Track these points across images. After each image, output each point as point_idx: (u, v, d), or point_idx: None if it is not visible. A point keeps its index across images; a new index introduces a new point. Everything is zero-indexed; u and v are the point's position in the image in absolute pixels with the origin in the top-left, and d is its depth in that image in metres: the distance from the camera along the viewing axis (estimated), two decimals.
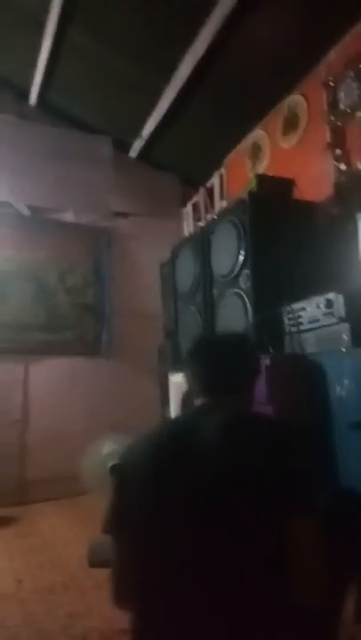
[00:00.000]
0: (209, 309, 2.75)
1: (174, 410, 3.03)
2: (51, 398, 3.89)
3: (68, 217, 4.20)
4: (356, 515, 1.35)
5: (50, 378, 3.95)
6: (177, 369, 3.04)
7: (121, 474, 1.22)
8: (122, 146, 4.36)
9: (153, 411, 3.78)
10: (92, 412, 3.89)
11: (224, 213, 2.68)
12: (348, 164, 2.66)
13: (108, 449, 2.30)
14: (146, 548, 1.16)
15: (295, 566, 1.09)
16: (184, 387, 2.86)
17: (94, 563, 2.15)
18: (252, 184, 2.57)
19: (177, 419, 2.03)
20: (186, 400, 2.27)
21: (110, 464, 2.23)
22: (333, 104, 2.76)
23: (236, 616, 1.08)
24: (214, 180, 4.17)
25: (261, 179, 2.62)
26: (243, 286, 2.45)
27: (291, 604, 1.05)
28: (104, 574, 2.02)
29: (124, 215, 4.31)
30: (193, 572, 1.09)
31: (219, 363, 1.25)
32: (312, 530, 1.12)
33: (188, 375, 1.29)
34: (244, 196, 2.49)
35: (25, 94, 4.14)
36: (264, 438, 1.13)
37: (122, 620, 1.60)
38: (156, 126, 3.99)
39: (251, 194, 2.48)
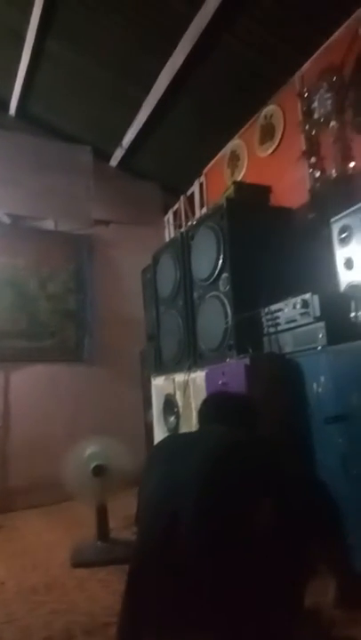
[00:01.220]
0: (190, 313, 2.80)
1: (157, 413, 3.06)
2: (32, 405, 3.88)
3: (49, 225, 4.24)
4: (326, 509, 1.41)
5: (31, 385, 3.94)
6: (159, 373, 3.09)
7: (143, 472, 1.41)
8: (102, 155, 4.42)
9: (136, 416, 3.80)
10: (74, 418, 3.89)
11: (203, 219, 2.74)
12: (322, 171, 2.76)
13: (90, 451, 2.31)
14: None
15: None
16: (165, 390, 2.91)
17: (78, 563, 2.16)
18: (230, 190, 2.65)
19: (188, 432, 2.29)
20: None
21: (93, 465, 2.25)
22: (308, 114, 2.86)
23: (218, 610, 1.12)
24: (194, 188, 4.25)
25: (239, 185, 2.69)
26: (222, 289, 2.51)
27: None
28: (87, 574, 2.05)
29: (106, 223, 4.35)
30: (183, 568, 1.14)
31: (223, 405, 1.58)
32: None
33: (200, 412, 1.61)
34: (223, 202, 2.55)
35: (5, 105, 4.17)
36: (250, 446, 1.33)
37: (104, 614, 1.63)
38: (137, 136, 4.05)
39: (229, 200, 2.55)
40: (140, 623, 1.19)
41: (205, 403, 1.61)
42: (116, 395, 3.98)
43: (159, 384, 3.05)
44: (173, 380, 2.84)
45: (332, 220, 2.08)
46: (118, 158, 4.41)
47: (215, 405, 1.58)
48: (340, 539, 1.48)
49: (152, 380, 3.16)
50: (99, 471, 2.24)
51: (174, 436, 1.79)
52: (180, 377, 2.75)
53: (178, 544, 1.16)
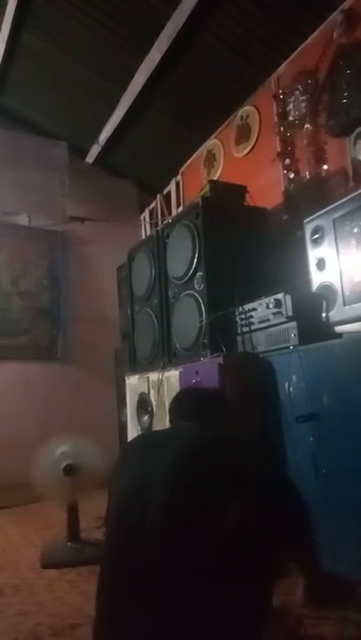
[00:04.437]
0: (164, 312, 2.80)
1: (130, 412, 3.04)
2: (4, 404, 3.81)
3: (22, 220, 4.17)
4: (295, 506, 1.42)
5: (3, 383, 3.87)
6: (133, 371, 3.07)
7: (114, 470, 1.39)
8: (79, 151, 4.37)
9: (109, 415, 3.78)
10: (46, 417, 3.83)
11: (179, 217, 2.74)
12: (296, 172, 2.79)
13: (61, 450, 2.28)
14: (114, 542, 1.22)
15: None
16: (140, 389, 2.89)
17: (47, 564, 2.13)
18: (206, 189, 2.65)
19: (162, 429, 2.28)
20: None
21: (64, 464, 2.22)
22: (283, 116, 2.89)
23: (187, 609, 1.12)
24: (171, 187, 4.24)
25: (214, 184, 2.70)
26: (197, 288, 2.51)
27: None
28: (56, 575, 2.03)
29: (81, 220, 4.30)
30: (155, 566, 1.13)
31: (195, 402, 1.55)
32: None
33: (172, 409, 1.58)
34: (198, 200, 2.55)
35: None
36: (222, 445, 1.31)
37: (72, 616, 1.61)
38: (113, 133, 4.03)
39: (204, 198, 2.55)
40: (112, 624, 1.18)
41: (177, 399, 1.60)
42: (90, 393, 3.95)
43: (133, 383, 3.03)
44: (148, 378, 2.82)
45: (305, 220, 2.10)
46: (94, 155, 4.37)
47: (187, 402, 1.56)
48: (310, 537, 1.49)
49: (126, 378, 3.15)
50: (70, 470, 2.21)
51: (146, 434, 1.77)
52: (154, 376, 2.74)
53: (146, 543, 1.15)
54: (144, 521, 1.17)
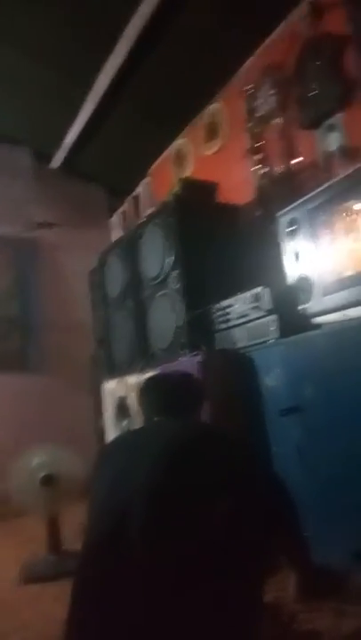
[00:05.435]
0: (140, 313, 2.74)
1: (110, 418, 2.97)
2: None
3: None
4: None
5: None
6: (111, 376, 3.00)
7: (93, 471, 1.35)
8: (43, 156, 4.27)
9: (87, 423, 3.67)
10: (21, 429, 3.69)
11: (150, 217, 2.69)
12: (267, 168, 2.78)
13: (37, 460, 2.19)
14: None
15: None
16: (118, 393, 2.82)
17: (29, 579, 2.03)
18: (177, 187, 2.61)
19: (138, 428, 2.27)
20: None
21: (42, 475, 2.13)
22: (252, 111, 2.88)
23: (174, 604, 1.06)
24: (140, 189, 4.20)
25: (185, 182, 2.67)
26: (172, 287, 2.46)
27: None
28: (39, 590, 1.93)
29: (49, 226, 4.21)
30: (138, 559, 1.07)
31: (169, 393, 1.50)
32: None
33: (142, 403, 1.53)
34: (170, 199, 2.52)
35: None
36: (205, 442, 1.28)
37: (57, 630, 1.52)
38: (79, 136, 3.95)
39: (175, 196, 2.52)
40: (85, 635, 1.11)
41: (147, 392, 1.53)
42: (66, 403, 3.83)
43: (111, 387, 2.96)
44: (126, 382, 2.76)
45: (279, 213, 2.08)
46: (60, 159, 4.28)
47: (159, 395, 1.50)
48: (299, 532, 1.46)
49: (104, 384, 3.07)
50: (48, 481, 2.12)
51: (124, 435, 1.71)
52: (132, 379, 2.68)
53: (130, 546, 1.09)
54: (127, 523, 1.12)
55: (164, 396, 1.47)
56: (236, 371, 2.09)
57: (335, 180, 1.92)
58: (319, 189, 1.92)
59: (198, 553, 1.09)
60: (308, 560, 1.51)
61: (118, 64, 3.18)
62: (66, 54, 3.29)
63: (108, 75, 3.29)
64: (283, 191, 2.58)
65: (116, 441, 1.51)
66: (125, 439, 1.51)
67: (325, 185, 1.92)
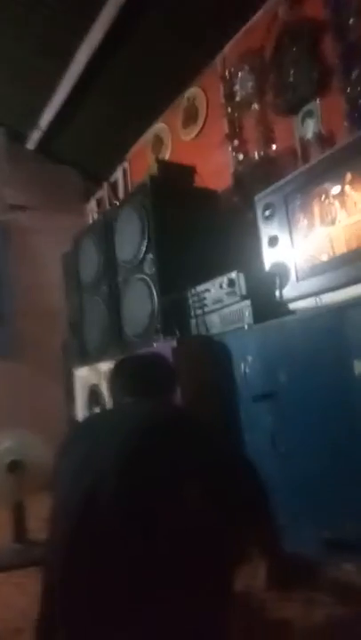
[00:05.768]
0: (114, 298, 2.68)
1: (81, 406, 2.90)
2: None
3: None
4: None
5: None
6: (83, 363, 2.93)
7: (59, 451, 1.30)
8: (19, 137, 4.15)
9: (58, 411, 3.60)
10: None
11: (126, 199, 2.63)
12: (245, 153, 2.74)
13: (4, 446, 2.12)
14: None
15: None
16: (90, 381, 2.76)
17: None
18: (154, 169, 2.55)
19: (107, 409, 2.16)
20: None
21: (8, 460, 2.06)
22: (230, 96, 2.84)
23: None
24: (118, 175, 4.12)
25: (162, 163, 2.62)
26: (147, 271, 2.41)
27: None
28: (2, 578, 1.87)
29: (22, 208, 4.09)
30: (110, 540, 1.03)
31: (140, 373, 1.47)
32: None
33: (113, 385, 1.50)
34: (146, 180, 2.46)
35: None
36: (177, 423, 1.25)
37: (17, 619, 1.48)
38: (55, 117, 3.84)
39: (152, 177, 2.46)
40: (57, 621, 1.06)
41: (118, 373, 1.49)
42: (37, 390, 3.74)
43: (83, 375, 2.89)
44: (98, 369, 2.70)
45: (257, 197, 2.05)
46: (36, 141, 4.16)
47: (131, 375, 1.46)
48: (271, 519, 1.43)
49: (75, 371, 3.00)
50: (14, 467, 2.06)
51: (93, 416, 1.66)
52: (105, 366, 2.62)
53: (98, 528, 1.04)
54: (95, 505, 1.07)
55: (135, 376, 1.43)
56: (210, 357, 2.06)
57: (310, 164, 1.90)
58: (296, 173, 1.90)
59: (168, 537, 1.06)
60: (280, 547, 1.49)
61: (95, 46, 3.09)
62: (42, 33, 3.18)
63: (85, 55, 3.20)
64: (260, 178, 2.54)
65: (84, 423, 1.46)
66: (93, 421, 1.47)
67: (301, 169, 1.90)
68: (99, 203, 4.35)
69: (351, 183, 1.69)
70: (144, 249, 2.40)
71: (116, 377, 1.49)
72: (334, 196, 1.73)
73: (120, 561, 1.02)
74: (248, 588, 1.47)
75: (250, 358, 1.91)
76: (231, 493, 1.24)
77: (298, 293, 1.88)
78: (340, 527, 1.58)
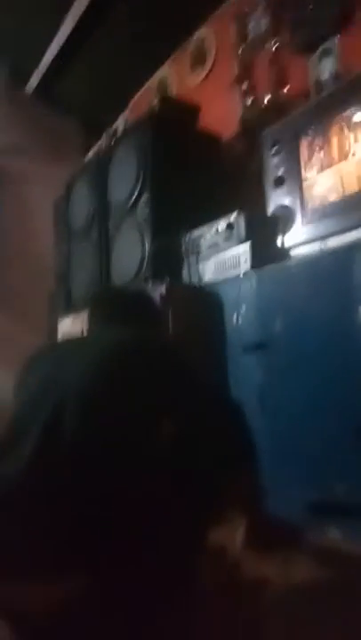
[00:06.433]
0: (104, 245, 2.51)
1: None
2: None
3: None
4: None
5: None
6: (68, 313, 2.77)
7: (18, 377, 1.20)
8: (20, 75, 3.91)
9: None
10: None
11: (123, 137, 2.44)
12: (255, 97, 2.55)
13: None
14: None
15: None
16: (74, 331, 2.61)
17: None
18: (155, 105, 2.36)
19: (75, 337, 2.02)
20: None
21: None
22: (243, 36, 2.63)
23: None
24: (119, 123, 3.90)
25: (165, 100, 2.44)
26: (141, 215, 2.24)
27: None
28: None
29: (15, 152, 3.87)
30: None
31: (117, 301, 1.40)
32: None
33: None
34: (146, 116, 2.27)
35: None
36: (157, 352, 1.14)
37: None
38: (56, 62, 3.60)
39: (153, 114, 2.27)
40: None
41: (95, 304, 1.35)
42: (19, 342, 3.59)
43: (66, 325, 2.73)
44: (82, 318, 2.54)
45: (265, 131, 1.87)
46: (35, 83, 3.93)
47: (108, 304, 1.32)
48: (254, 473, 1.30)
49: (59, 321, 2.84)
50: None
51: (56, 343, 1.53)
52: None
53: (60, 460, 0.90)
54: (56, 433, 0.93)
55: (112, 303, 1.29)
56: (201, 305, 1.91)
57: (324, 94, 1.72)
58: (311, 102, 1.72)
59: (131, 482, 0.92)
60: (260, 505, 1.38)
61: None
62: None
63: None
64: (269, 124, 2.36)
65: (48, 346, 1.31)
66: (56, 345, 1.32)
67: (317, 99, 1.72)
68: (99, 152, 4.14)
69: None
70: (139, 187, 2.22)
71: (92, 305, 1.35)
72: (351, 127, 1.56)
73: (73, 502, 0.88)
74: (224, 547, 1.36)
75: (244, 307, 1.76)
76: (213, 438, 1.11)
77: (303, 238, 1.72)
78: (327, 489, 1.46)
